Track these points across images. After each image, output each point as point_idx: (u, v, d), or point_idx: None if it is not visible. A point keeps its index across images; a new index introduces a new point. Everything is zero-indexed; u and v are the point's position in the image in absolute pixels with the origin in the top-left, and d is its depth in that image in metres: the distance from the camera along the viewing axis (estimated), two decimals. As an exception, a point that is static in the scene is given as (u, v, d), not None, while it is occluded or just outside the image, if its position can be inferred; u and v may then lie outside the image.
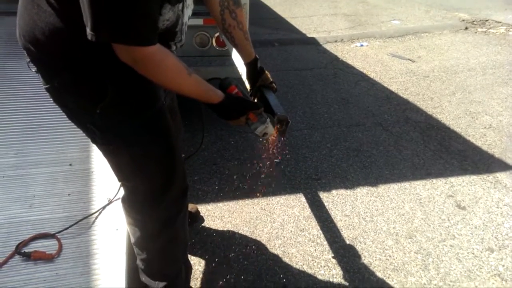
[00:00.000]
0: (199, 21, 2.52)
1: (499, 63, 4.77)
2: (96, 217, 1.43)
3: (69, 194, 1.50)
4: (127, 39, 0.89)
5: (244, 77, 1.53)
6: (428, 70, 4.49)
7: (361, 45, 5.49)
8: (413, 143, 2.89)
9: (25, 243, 1.33)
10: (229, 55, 2.62)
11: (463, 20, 6.97)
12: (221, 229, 1.98)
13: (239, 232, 1.97)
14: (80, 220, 1.41)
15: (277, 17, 6.98)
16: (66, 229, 1.37)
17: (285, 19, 6.83)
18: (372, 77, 4.26)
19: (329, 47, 5.36)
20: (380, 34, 6.05)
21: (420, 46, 5.51)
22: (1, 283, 1.23)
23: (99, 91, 1.04)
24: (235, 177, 2.38)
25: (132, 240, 1.36)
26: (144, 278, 1.43)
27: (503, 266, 1.82)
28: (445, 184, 2.41)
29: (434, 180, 2.44)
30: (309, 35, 5.88)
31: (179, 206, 1.34)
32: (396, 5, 8.25)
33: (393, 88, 3.96)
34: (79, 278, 1.27)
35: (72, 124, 1.24)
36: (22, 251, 1.29)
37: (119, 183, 1.43)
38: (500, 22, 6.78)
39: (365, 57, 4.95)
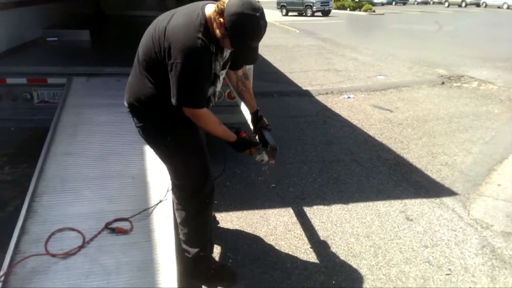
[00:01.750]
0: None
1: (465, 113, 5.64)
2: (153, 209, 2.20)
3: (134, 196, 2.29)
4: (192, 105, 1.79)
5: (249, 121, 2.39)
6: (402, 119, 5.36)
7: (348, 97, 6.42)
8: (380, 175, 3.67)
9: (110, 223, 2.10)
10: (237, 105, 3.49)
11: (441, 76, 7.95)
12: (231, 228, 2.75)
13: (244, 231, 2.73)
14: (143, 211, 2.18)
15: (277, 71, 8.03)
16: (134, 215, 2.14)
17: (284, 73, 7.87)
18: (354, 124, 5.12)
19: (320, 98, 6.30)
20: (366, 87, 7.01)
21: (399, 98, 6.43)
22: (98, 245, 1.98)
23: (171, 128, 1.92)
24: (240, 195, 3.17)
25: (178, 220, 2.15)
26: (184, 246, 2.20)
27: (433, 256, 2.54)
28: (400, 204, 3.17)
29: (392, 201, 3.20)
30: (304, 88, 6.86)
31: (209, 199, 2.15)
32: (383, 62, 9.33)
33: (371, 133, 4.80)
34: (145, 244, 2.03)
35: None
36: (110, 227, 2.07)
37: (168, 188, 2.25)
38: (474, 78, 7.75)
39: (351, 107, 5.85)
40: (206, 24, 1.71)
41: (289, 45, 11.88)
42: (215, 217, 2.74)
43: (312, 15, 25.05)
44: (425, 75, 8.12)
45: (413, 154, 4.19)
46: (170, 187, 2.32)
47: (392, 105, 5.99)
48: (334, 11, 29.38)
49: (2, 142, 3.92)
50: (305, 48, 11.47)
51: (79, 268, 1.84)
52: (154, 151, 2.08)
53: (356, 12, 28.62)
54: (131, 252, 1.97)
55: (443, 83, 7.48)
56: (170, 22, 1.74)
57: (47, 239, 1.95)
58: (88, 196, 2.24)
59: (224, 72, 2.03)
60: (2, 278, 1.73)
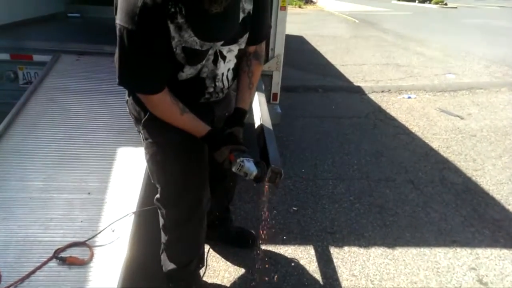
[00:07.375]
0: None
1: (559, 126, 4.45)
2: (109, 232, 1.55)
3: (81, 221, 1.64)
4: (136, 89, 1.39)
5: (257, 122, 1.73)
6: (476, 129, 4.30)
7: (409, 97, 5.40)
8: (443, 206, 2.75)
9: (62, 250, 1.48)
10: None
11: (526, 78, 6.62)
12: (223, 265, 2.01)
13: (238, 275, 1.98)
14: (88, 240, 1.52)
15: (327, 63, 7.10)
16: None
17: (334, 66, 6.93)
18: (414, 131, 4.16)
19: (374, 96, 5.34)
20: (431, 87, 5.91)
21: (472, 102, 5.31)
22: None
23: (143, 111, 1.48)
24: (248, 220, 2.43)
25: (160, 225, 1.72)
26: (162, 257, 1.78)
27: None
28: (470, 254, 2.26)
29: (458, 249, 2.30)
30: (355, 84, 5.91)
31: (192, 212, 1.62)
32: (455, 59, 8.04)
33: (434, 145, 3.83)
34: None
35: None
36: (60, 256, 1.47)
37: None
38: None
39: (411, 110, 4.85)
40: None
41: (345, 36, 10.80)
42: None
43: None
44: (506, 76, 6.81)
45: (490, 179, 3.19)
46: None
47: (464, 111, 4.89)
48: (400, 3, 27.32)
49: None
50: (362, 39, 10.34)
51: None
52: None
53: (426, 5, 26.33)
54: None
55: (528, 86, 6.18)
56: None
57: None
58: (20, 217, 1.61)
59: (233, 48, 1.40)
60: None
